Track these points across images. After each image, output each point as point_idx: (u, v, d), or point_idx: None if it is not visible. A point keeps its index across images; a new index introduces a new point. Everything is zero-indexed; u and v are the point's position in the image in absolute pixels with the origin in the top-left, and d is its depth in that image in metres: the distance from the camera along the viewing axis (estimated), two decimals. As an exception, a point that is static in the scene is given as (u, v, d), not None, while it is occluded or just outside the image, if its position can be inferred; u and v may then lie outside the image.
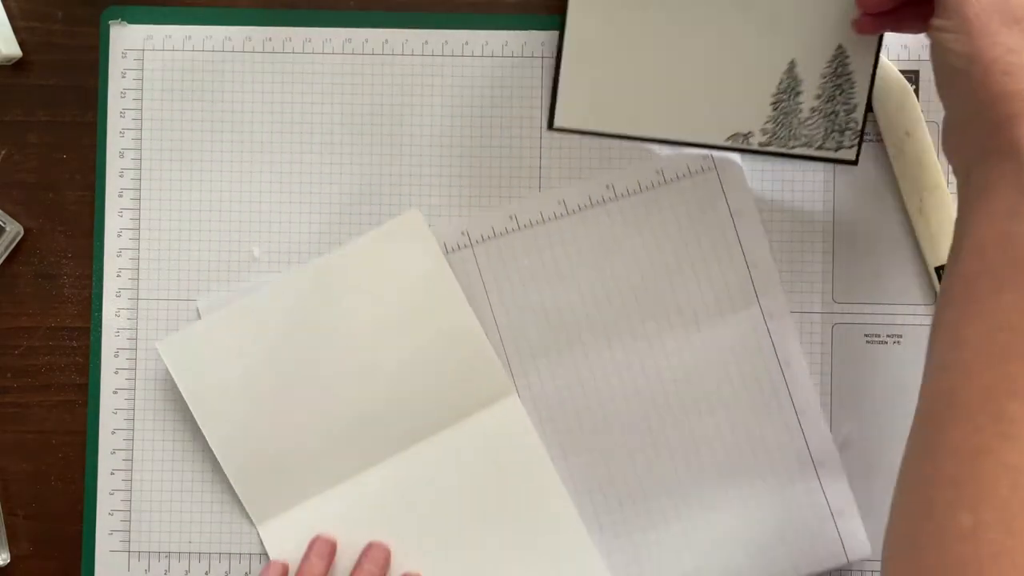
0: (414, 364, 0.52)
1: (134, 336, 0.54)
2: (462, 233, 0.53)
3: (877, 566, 0.52)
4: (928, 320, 0.53)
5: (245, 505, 0.53)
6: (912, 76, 0.53)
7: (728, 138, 0.51)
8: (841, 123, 0.51)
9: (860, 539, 0.52)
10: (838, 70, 0.51)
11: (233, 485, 0.52)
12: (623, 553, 0.52)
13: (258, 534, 0.53)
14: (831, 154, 0.51)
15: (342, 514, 0.52)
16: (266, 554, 0.53)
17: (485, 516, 0.52)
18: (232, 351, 0.52)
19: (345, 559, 0.52)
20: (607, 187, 0.53)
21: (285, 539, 0.52)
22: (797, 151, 0.51)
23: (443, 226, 0.53)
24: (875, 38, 0.51)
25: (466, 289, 0.52)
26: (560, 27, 0.52)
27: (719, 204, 0.52)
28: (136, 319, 0.54)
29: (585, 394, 0.52)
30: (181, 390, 0.52)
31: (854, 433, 0.53)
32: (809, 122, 0.51)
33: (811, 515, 0.52)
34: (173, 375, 0.52)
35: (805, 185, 0.53)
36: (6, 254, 0.54)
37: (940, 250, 0.52)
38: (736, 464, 0.52)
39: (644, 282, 0.52)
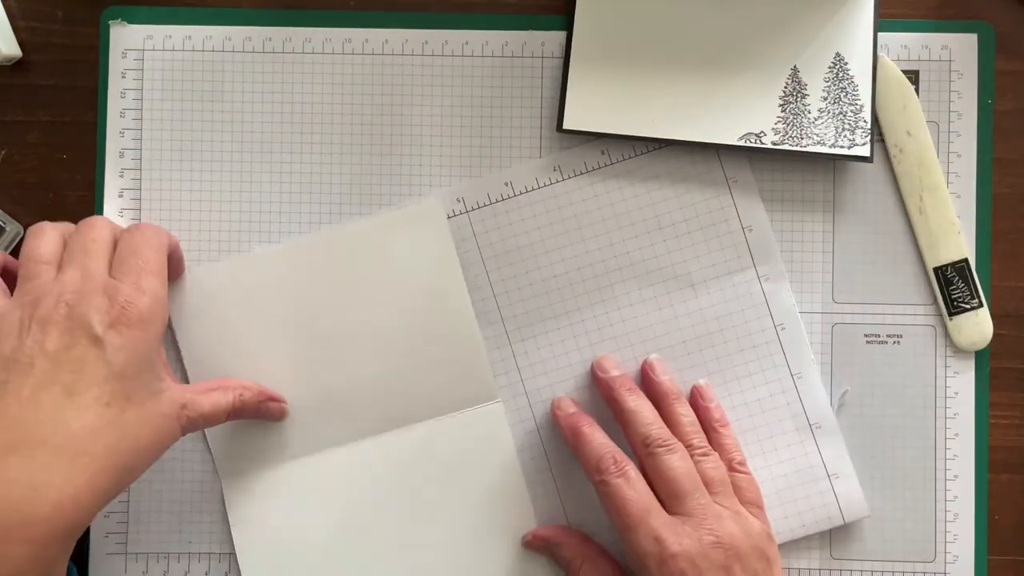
0: (406, 351, 0.52)
1: (133, 336, 0.54)
2: (458, 200, 0.53)
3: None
4: (929, 320, 0.53)
5: (214, 458, 0.53)
6: (913, 76, 0.53)
7: (740, 137, 0.51)
8: (851, 122, 0.51)
9: (857, 500, 0.52)
10: (839, 75, 0.51)
11: (207, 436, 0.53)
12: None
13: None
14: (845, 151, 0.51)
15: (305, 484, 0.52)
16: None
17: (447, 507, 0.52)
18: (230, 300, 0.52)
19: (300, 528, 0.52)
20: (602, 152, 0.53)
21: (247, 498, 0.53)
22: (811, 149, 0.51)
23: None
24: (871, 44, 0.51)
25: (462, 255, 0.53)
26: (568, 29, 0.52)
27: (715, 169, 0.53)
28: (135, 319, 0.54)
29: (582, 359, 0.53)
30: (175, 330, 0.52)
31: (853, 432, 0.53)
32: (819, 122, 0.51)
33: (808, 477, 0.52)
34: (170, 315, 0.52)
35: (805, 185, 0.53)
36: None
37: (940, 250, 0.52)
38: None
39: (640, 247, 0.53)
